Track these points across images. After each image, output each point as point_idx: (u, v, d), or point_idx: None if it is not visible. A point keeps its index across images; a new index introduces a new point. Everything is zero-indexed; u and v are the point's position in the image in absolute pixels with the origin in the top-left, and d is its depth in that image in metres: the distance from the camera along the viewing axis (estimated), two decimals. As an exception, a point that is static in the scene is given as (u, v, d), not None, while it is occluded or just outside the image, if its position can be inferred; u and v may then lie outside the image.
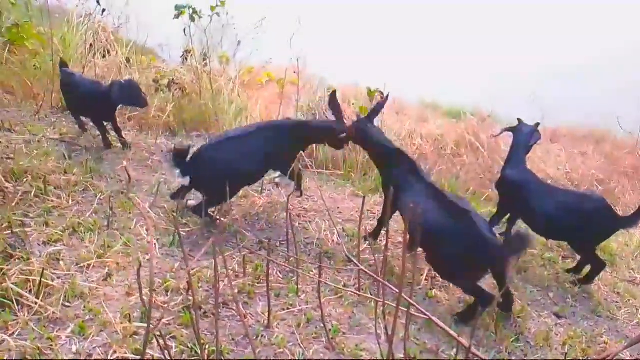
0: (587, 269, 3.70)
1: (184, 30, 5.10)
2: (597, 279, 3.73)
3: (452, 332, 2.12)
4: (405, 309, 2.27)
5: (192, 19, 4.96)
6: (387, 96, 4.09)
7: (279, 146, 3.73)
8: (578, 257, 3.85)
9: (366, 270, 2.33)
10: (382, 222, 3.70)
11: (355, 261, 2.32)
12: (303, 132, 3.88)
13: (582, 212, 3.50)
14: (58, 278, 2.73)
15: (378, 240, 3.76)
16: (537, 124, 3.91)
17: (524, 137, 3.81)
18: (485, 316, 3.04)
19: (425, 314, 2.08)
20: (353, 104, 6.15)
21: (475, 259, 2.88)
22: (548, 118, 7.87)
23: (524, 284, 3.59)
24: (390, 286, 2.13)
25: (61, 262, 2.85)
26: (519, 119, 3.93)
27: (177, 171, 3.43)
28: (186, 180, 3.47)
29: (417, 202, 3.01)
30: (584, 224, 3.49)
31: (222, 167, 3.50)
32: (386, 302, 2.26)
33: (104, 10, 5.51)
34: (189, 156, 3.49)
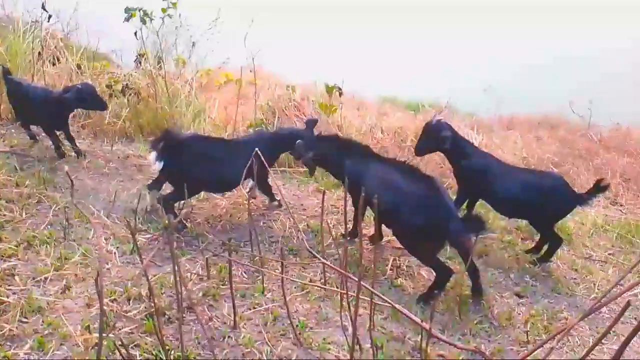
0: (546, 248, 3.83)
1: (135, 33, 4.99)
2: (555, 257, 3.86)
3: (414, 318, 2.15)
4: (369, 299, 2.31)
5: (144, 21, 4.86)
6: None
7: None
8: (536, 239, 3.98)
9: (329, 263, 2.34)
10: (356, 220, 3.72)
11: (318, 256, 2.33)
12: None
13: (542, 190, 3.64)
14: (13, 294, 2.64)
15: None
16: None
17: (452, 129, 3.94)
18: (450, 301, 3.11)
19: (388, 302, 2.10)
20: (313, 101, 6.15)
21: (437, 224, 3.00)
22: (503, 106, 8.12)
23: (485, 267, 3.68)
24: (352, 277, 2.15)
25: (16, 277, 2.76)
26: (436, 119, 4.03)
27: (154, 153, 3.46)
28: (158, 166, 3.47)
29: (380, 177, 3.22)
30: (543, 201, 3.62)
31: (204, 167, 3.59)
32: (350, 293, 2.28)
33: (50, 17, 5.33)
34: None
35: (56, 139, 4.34)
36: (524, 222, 4.24)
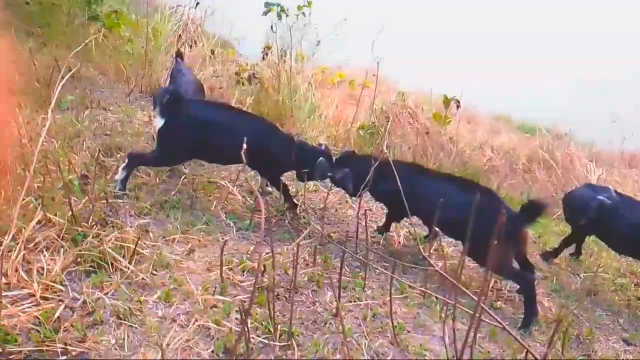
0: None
1: (271, 27, 5.31)
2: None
3: (522, 343, 2.14)
4: (475, 314, 2.32)
5: (279, 17, 5.17)
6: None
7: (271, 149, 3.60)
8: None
9: (440, 270, 2.38)
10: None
11: (430, 261, 2.38)
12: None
13: None
14: (147, 248, 2.96)
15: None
16: None
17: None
18: (552, 332, 3.01)
19: (498, 322, 2.12)
20: (427, 110, 6.13)
21: (506, 233, 2.98)
22: (626, 141, 7.56)
23: (593, 306, 3.51)
24: (466, 291, 2.18)
25: (150, 234, 3.09)
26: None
27: (158, 108, 3.43)
28: (159, 123, 3.43)
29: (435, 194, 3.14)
30: None
31: (198, 129, 3.45)
32: (456, 305, 2.30)
33: (198, 3, 5.82)
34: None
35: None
36: (640, 267, 3.99)
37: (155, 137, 3.64)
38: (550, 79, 9.78)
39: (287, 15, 5.22)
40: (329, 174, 3.62)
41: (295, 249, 2.57)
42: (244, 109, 5.49)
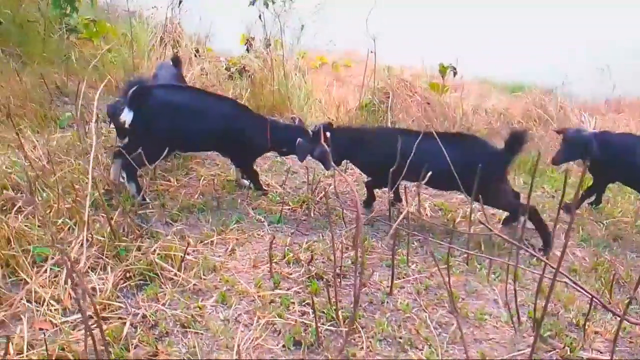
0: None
1: (259, 16, 5.23)
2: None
3: (586, 290, 2.17)
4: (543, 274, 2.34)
5: (266, 5, 5.08)
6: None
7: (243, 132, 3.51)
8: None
9: (501, 234, 2.38)
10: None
11: (488, 226, 2.39)
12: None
13: None
14: (190, 253, 2.90)
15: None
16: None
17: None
18: (600, 285, 3.08)
19: (566, 278, 2.14)
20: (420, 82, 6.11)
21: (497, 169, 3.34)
22: (607, 88, 7.71)
23: (622, 250, 3.60)
24: (534, 252, 2.20)
25: (189, 239, 3.03)
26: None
27: (126, 101, 3.21)
28: (129, 118, 3.21)
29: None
30: None
31: (176, 117, 3.31)
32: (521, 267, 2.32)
33: (181, 2, 5.68)
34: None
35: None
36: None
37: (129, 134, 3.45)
38: (531, 42, 9.85)
39: (273, 3, 5.13)
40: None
41: (343, 232, 2.56)
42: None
